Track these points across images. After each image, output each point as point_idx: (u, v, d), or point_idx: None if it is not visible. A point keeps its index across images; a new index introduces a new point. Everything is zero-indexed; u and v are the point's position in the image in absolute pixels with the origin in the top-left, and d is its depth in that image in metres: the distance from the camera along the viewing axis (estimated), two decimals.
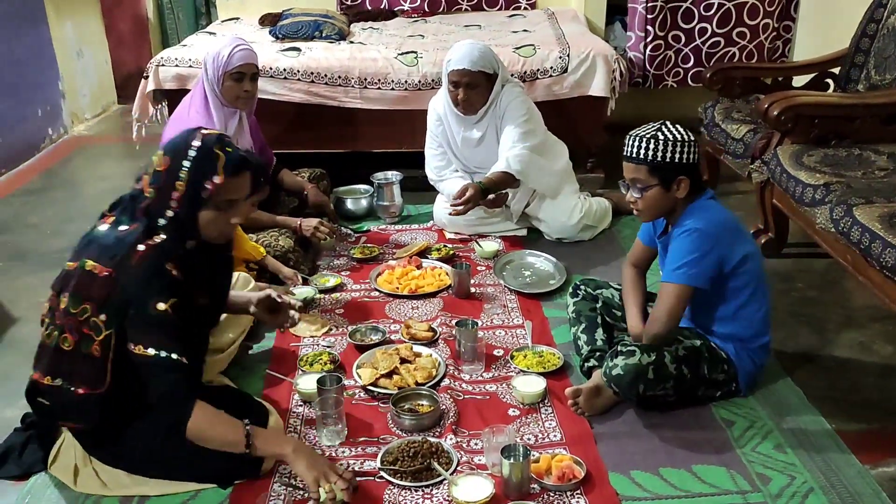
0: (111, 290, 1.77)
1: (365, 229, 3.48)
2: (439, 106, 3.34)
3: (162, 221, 1.81)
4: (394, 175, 3.62)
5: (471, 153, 3.32)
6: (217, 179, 1.81)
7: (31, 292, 3.00)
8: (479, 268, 3.10)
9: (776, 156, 2.91)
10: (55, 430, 1.97)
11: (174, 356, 1.78)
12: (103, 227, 1.87)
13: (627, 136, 2.16)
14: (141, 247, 1.78)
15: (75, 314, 1.79)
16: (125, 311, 1.78)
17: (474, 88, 3.13)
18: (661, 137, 2.09)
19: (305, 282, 2.92)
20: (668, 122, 2.14)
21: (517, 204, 3.37)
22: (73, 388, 1.82)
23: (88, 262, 1.81)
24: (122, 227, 1.83)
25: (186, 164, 1.80)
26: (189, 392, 1.83)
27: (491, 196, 3.17)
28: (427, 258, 3.15)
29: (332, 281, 2.97)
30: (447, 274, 2.98)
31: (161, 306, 1.77)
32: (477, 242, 3.25)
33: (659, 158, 2.09)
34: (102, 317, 1.78)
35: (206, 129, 1.92)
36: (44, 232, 3.60)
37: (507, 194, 3.24)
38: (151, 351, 1.77)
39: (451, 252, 3.20)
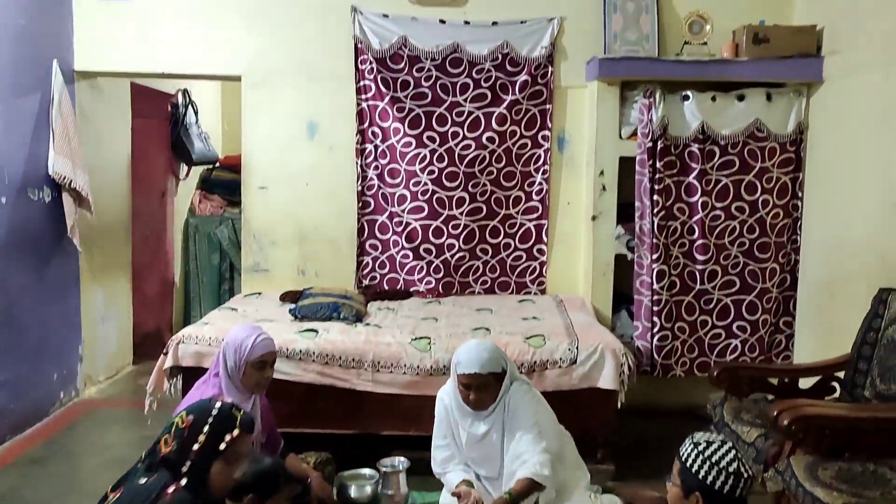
0: None
1: None
2: (447, 397, 3.37)
3: (184, 469, 2.07)
4: (400, 462, 3.55)
5: (471, 448, 3.27)
6: (235, 433, 2.16)
7: None
8: None
9: (790, 467, 2.87)
10: None
11: None
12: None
13: (691, 436, 2.31)
14: (171, 489, 2.02)
15: None
16: None
17: (485, 389, 3.15)
18: (705, 451, 2.21)
19: None
20: (735, 448, 2.23)
21: (528, 502, 3.26)
22: None
23: None
24: (143, 480, 2.05)
25: (210, 419, 2.14)
26: None
27: None
28: None
29: None
30: None
31: None
32: None
33: (689, 464, 2.23)
34: None
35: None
36: None
37: None
38: None
39: None
